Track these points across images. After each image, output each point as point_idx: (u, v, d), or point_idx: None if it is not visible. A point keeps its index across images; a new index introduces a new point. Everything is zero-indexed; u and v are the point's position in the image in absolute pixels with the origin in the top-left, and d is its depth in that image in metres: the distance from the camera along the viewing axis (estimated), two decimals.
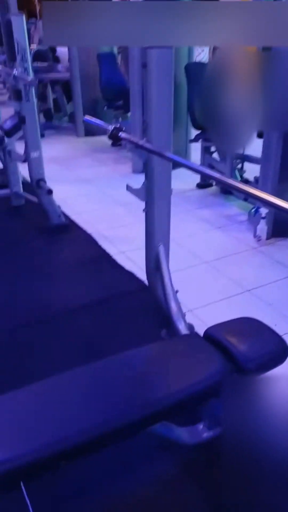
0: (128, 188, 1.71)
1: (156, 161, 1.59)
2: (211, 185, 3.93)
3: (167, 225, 1.73)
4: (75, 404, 1.13)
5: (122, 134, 1.68)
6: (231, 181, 1.24)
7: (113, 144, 5.40)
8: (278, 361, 1.28)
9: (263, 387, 1.55)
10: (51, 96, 6.40)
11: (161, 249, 1.73)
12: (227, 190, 3.74)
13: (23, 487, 1.29)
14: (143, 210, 1.71)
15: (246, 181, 3.57)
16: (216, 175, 1.28)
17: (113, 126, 1.69)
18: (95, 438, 1.06)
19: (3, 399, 1.13)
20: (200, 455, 1.42)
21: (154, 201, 1.65)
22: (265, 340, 1.32)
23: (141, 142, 1.57)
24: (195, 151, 4.25)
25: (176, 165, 1.40)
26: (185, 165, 1.37)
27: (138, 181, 1.69)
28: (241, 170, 3.72)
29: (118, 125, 1.70)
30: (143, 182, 1.67)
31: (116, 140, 1.74)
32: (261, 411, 1.54)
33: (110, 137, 1.71)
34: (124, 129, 1.72)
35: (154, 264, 1.78)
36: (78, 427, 1.06)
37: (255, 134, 1.25)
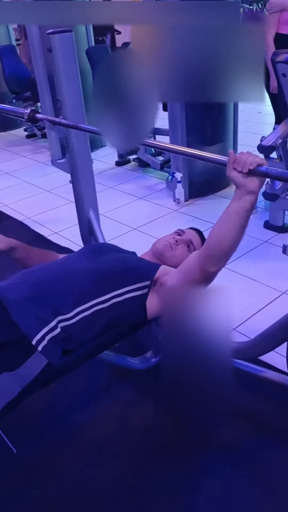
0: (54, 162, 1.88)
1: (74, 134, 1.78)
2: (129, 161, 4.16)
3: (93, 192, 1.93)
4: None
5: (39, 115, 1.85)
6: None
7: (28, 136, 5.44)
8: None
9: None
10: None
11: (92, 214, 1.93)
12: (144, 163, 3.99)
13: None
14: (70, 181, 1.89)
15: (159, 154, 3.83)
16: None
17: (29, 109, 1.85)
18: None
19: None
20: (152, 377, 1.67)
21: (78, 171, 1.84)
22: None
23: (58, 120, 1.75)
24: None
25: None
26: (99, 132, 1.57)
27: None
28: None
29: (33, 107, 1.87)
30: (66, 156, 1.85)
31: (34, 122, 1.90)
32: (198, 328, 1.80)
33: (27, 119, 1.87)
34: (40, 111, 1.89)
35: (87, 230, 1.97)
36: None
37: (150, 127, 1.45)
